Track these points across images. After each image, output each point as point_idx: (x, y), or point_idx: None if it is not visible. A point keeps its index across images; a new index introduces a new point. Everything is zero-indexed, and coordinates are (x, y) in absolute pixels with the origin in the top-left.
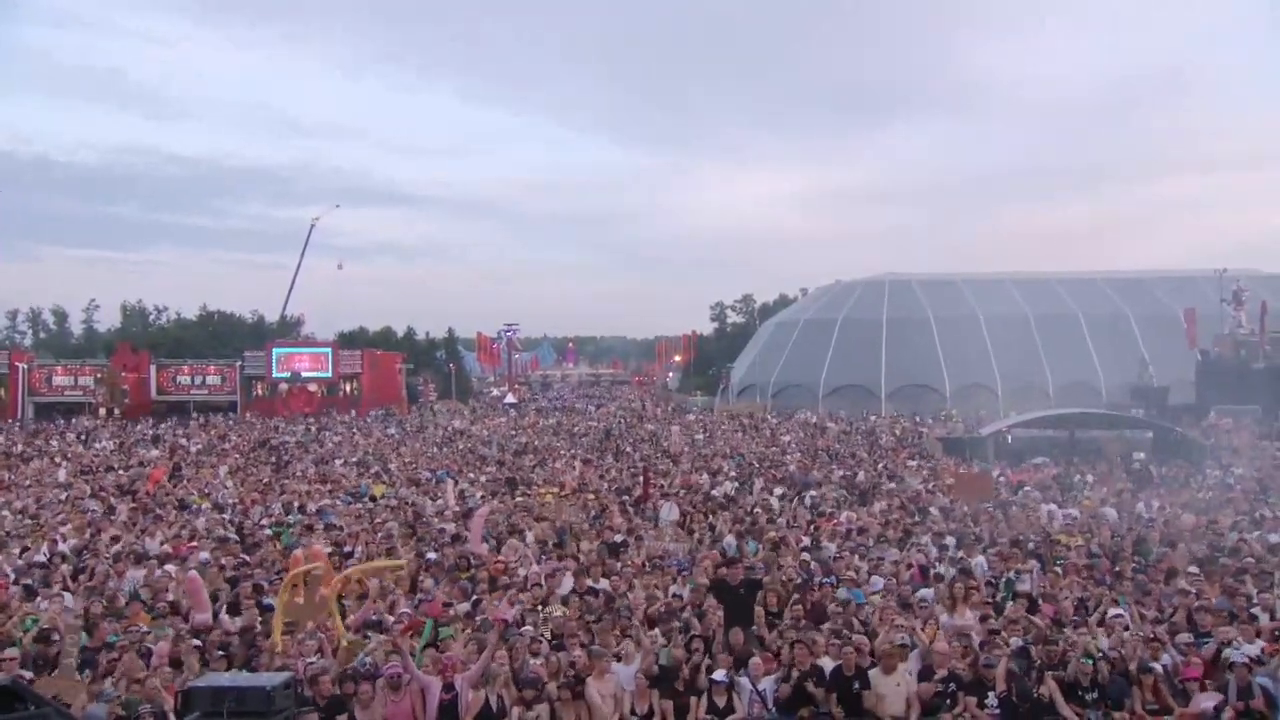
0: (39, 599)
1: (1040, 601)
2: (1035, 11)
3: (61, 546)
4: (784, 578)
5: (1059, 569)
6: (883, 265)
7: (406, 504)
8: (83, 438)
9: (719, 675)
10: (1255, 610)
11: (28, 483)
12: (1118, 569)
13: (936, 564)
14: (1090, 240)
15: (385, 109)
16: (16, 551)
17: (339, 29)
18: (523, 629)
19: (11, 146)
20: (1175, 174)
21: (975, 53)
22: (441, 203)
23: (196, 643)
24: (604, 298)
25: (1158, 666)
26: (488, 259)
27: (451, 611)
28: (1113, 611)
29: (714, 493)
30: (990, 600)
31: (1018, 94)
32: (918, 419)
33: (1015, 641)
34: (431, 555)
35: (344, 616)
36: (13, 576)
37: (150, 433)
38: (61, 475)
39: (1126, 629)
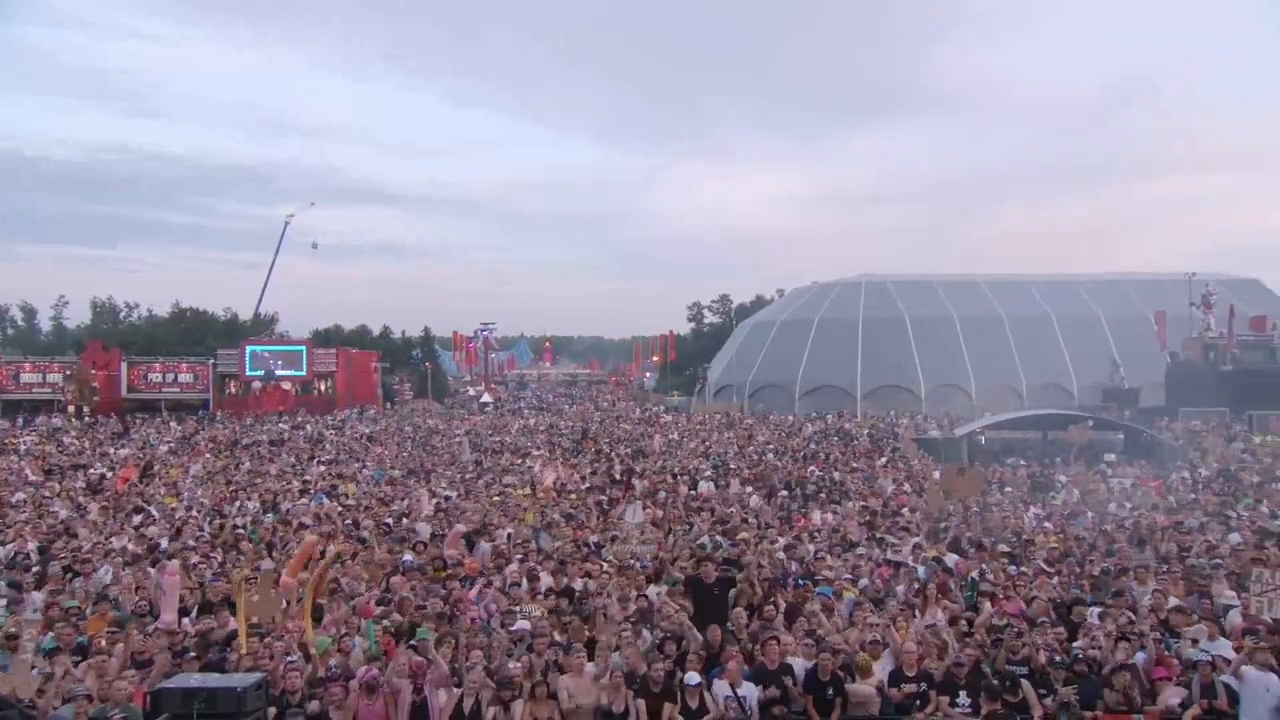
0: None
1: (1005, 601)
2: (1029, 12)
3: (28, 546)
4: (756, 576)
5: (1028, 570)
6: (866, 267)
7: (381, 503)
8: (50, 436)
9: (692, 678)
10: (1233, 607)
11: None
12: (1087, 569)
13: (910, 563)
14: (1084, 241)
15: (375, 107)
16: None
17: (342, 30)
18: (500, 629)
19: (28, 149)
20: (1169, 175)
21: (967, 52)
22: (419, 202)
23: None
24: (582, 298)
25: (1127, 664)
26: (466, 259)
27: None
28: (1086, 611)
29: (691, 492)
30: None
31: (1009, 94)
32: (892, 419)
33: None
34: (406, 558)
35: (319, 619)
36: None
37: (119, 430)
38: (29, 474)
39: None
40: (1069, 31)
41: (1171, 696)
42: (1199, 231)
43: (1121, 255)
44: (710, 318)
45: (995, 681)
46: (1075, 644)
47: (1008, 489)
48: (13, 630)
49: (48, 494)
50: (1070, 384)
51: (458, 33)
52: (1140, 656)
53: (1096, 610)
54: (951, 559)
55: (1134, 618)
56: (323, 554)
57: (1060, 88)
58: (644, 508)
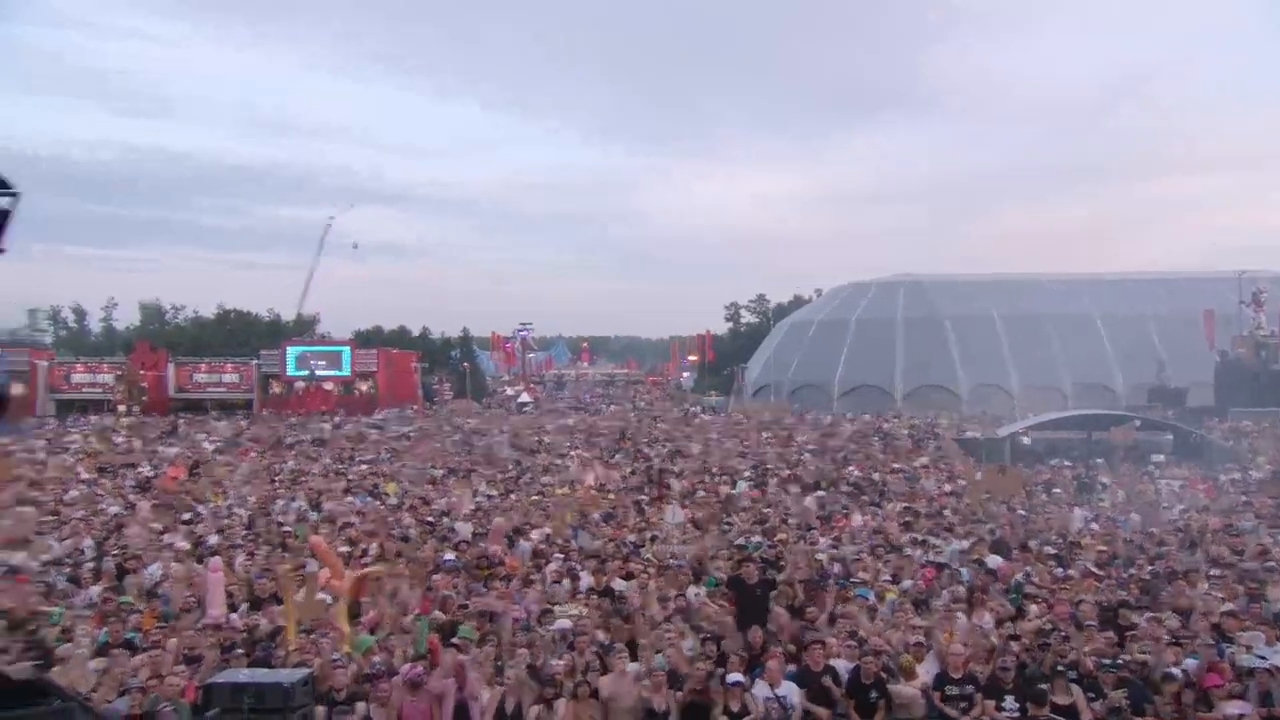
0: (63, 595)
1: (1057, 604)
2: (1039, 10)
3: (84, 542)
4: (796, 577)
5: (1074, 572)
6: (897, 265)
7: (422, 502)
8: (101, 434)
9: (734, 678)
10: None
11: (47, 479)
12: (1133, 572)
13: (953, 565)
14: (1102, 240)
15: (394, 111)
16: (40, 547)
17: (342, 30)
18: (543, 628)
19: (30, 149)
20: (1182, 173)
21: (994, 49)
22: (459, 203)
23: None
24: (618, 298)
25: (1177, 672)
26: (502, 259)
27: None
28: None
29: (731, 492)
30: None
31: (1042, 89)
32: (932, 420)
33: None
34: (449, 557)
35: (356, 616)
36: (37, 573)
37: (168, 429)
38: (82, 472)
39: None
40: (1068, 31)
41: (1231, 708)
42: (1244, 228)
43: (1165, 253)
44: (747, 317)
45: (1043, 685)
46: (1124, 648)
47: (1054, 490)
48: (69, 625)
49: (100, 491)
50: (1115, 383)
51: (457, 32)
52: (1191, 662)
53: (1145, 614)
54: (994, 561)
55: (1185, 622)
56: (364, 553)
57: (1060, 87)
58: (682, 507)
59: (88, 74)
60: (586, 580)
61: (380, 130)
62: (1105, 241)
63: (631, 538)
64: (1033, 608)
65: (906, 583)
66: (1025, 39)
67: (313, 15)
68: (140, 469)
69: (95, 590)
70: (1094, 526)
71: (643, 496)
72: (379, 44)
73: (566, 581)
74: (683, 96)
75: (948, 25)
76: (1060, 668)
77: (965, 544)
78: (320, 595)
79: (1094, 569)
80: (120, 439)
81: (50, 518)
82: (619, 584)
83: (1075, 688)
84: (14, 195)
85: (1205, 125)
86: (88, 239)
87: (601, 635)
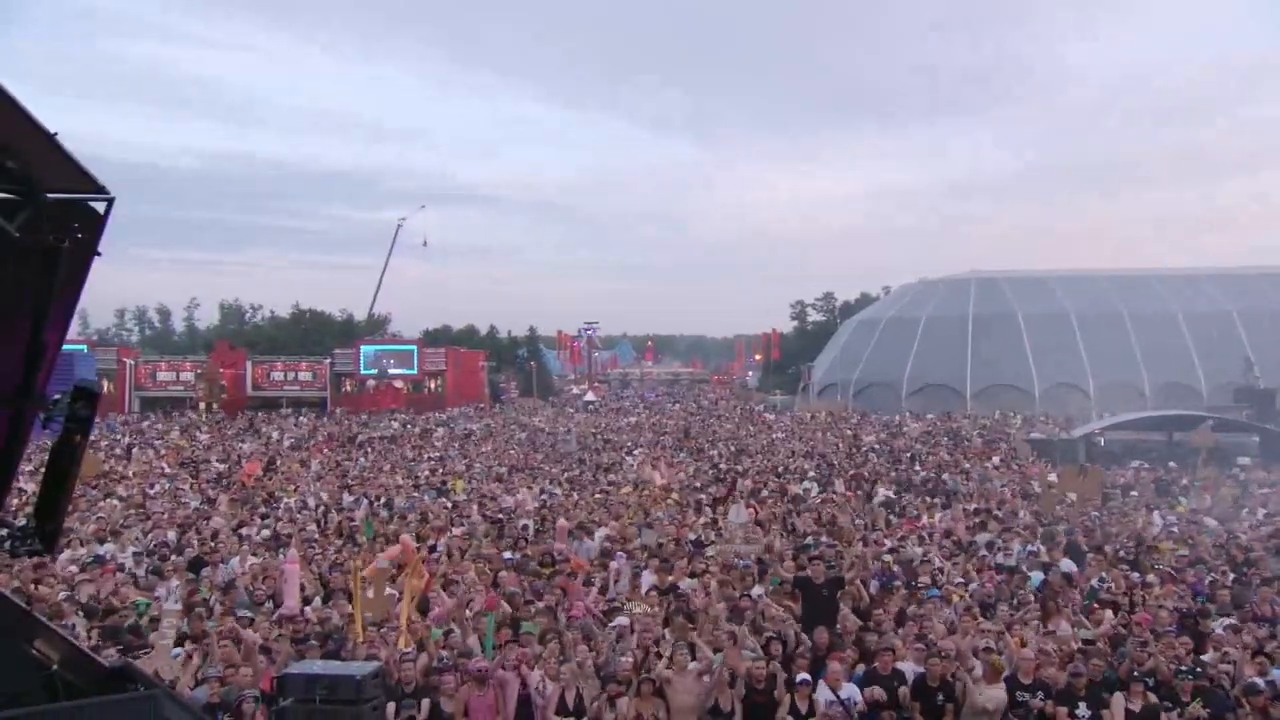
0: (151, 585)
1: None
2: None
3: (168, 535)
4: (862, 578)
5: (1153, 578)
6: (966, 262)
7: (489, 499)
8: (184, 431)
9: (801, 677)
10: None
11: (133, 474)
12: (1216, 579)
13: (1023, 568)
14: (1187, 236)
15: (463, 111)
16: (127, 539)
17: (414, 35)
18: (610, 625)
19: (120, 155)
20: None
21: (1060, 45)
22: (521, 203)
23: (281, 632)
24: (683, 296)
25: (1262, 683)
26: (568, 258)
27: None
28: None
29: (796, 492)
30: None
31: (1107, 85)
32: (1004, 419)
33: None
34: (508, 555)
35: (426, 612)
36: (123, 564)
37: (246, 426)
38: (165, 467)
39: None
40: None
41: None
42: None
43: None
44: (814, 315)
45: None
46: (1204, 657)
47: (1132, 492)
48: (155, 614)
49: (182, 485)
50: (1198, 383)
51: (521, 31)
52: (1277, 674)
53: (1227, 622)
54: (1068, 565)
55: (1273, 631)
56: (432, 549)
57: (1135, 79)
58: (746, 506)
59: (185, 83)
60: (649, 579)
61: (459, 132)
62: (1189, 235)
63: (694, 536)
64: (1108, 613)
65: (974, 585)
66: (1117, 27)
67: (391, 22)
68: (219, 464)
69: (176, 582)
70: (1174, 530)
71: (703, 495)
72: (453, 48)
73: (629, 579)
74: (755, 95)
75: (1035, 16)
76: (1136, 675)
77: (1036, 547)
78: (389, 591)
79: (1172, 574)
80: (203, 435)
81: (135, 510)
82: (685, 583)
83: (1151, 695)
84: (109, 200)
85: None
86: (173, 242)
87: (666, 633)
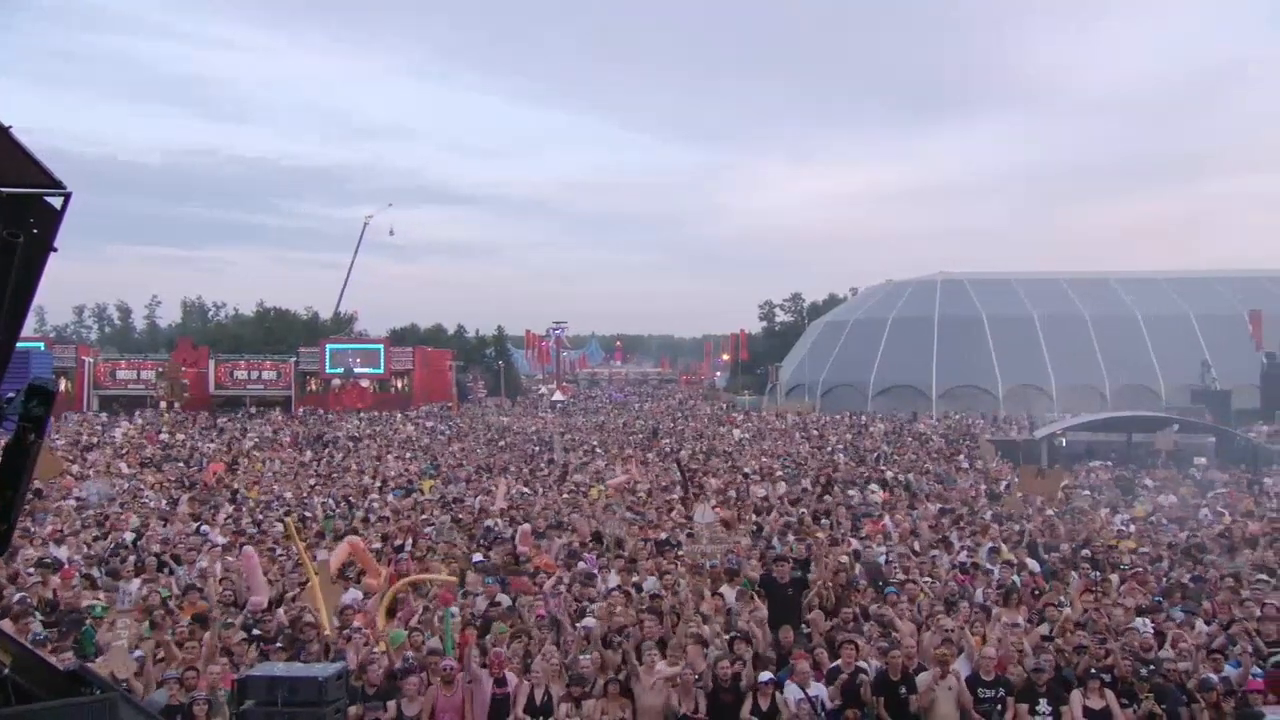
0: (108, 587)
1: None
2: (1098, 4)
3: (125, 536)
4: (828, 577)
5: (1112, 576)
6: (935, 265)
7: (457, 500)
8: (143, 431)
9: (762, 676)
10: None
11: (90, 474)
12: (1173, 576)
13: (986, 566)
14: (1156, 239)
15: (440, 110)
16: (84, 541)
17: (393, 32)
18: (577, 625)
19: (79, 148)
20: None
21: (1033, 48)
22: (493, 202)
23: (254, 632)
24: (652, 297)
25: (1215, 678)
26: (537, 258)
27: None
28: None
29: (761, 492)
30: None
31: (1078, 90)
32: (968, 420)
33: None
34: (477, 557)
35: (393, 613)
36: (81, 565)
37: (209, 425)
38: (124, 467)
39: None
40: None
41: (1275, 715)
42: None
43: (1203, 252)
44: (782, 316)
45: (1076, 689)
46: (1161, 654)
47: (1084, 491)
48: (111, 618)
49: (142, 485)
50: (1157, 385)
51: (507, 33)
52: (1232, 669)
53: (1181, 618)
54: (1032, 564)
55: (1225, 628)
56: (399, 549)
57: (1118, 84)
58: (713, 507)
59: (153, 77)
60: (614, 579)
61: (434, 131)
62: (1147, 241)
63: (662, 535)
64: (1066, 610)
65: (937, 584)
66: (1087, 33)
67: (369, 18)
68: (181, 464)
69: (135, 584)
70: (1131, 529)
71: (671, 497)
72: (434, 47)
73: (598, 579)
74: (728, 95)
75: (1005, 19)
76: (1094, 671)
77: (998, 545)
78: (355, 591)
79: (1129, 572)
80: (164, 435)
81: (92, 512)
82: (649, 583)
83: (1109, 692)
84: (66, 195)
85: (1248, 126)
86: (140, 237)
87: (633, 633)
